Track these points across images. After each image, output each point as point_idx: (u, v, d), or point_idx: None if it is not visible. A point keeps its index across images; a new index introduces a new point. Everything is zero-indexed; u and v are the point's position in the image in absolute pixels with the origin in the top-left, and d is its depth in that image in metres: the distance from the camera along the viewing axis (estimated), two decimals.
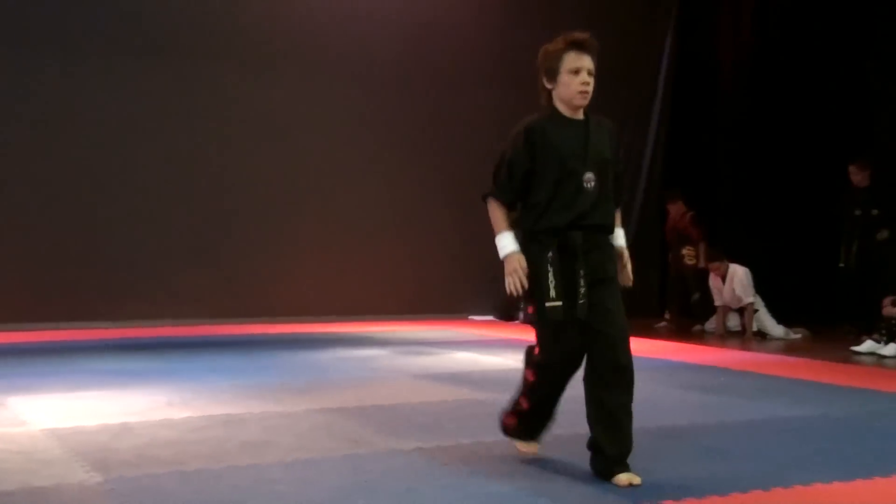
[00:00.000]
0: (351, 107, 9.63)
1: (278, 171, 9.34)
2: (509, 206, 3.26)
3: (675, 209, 9.39)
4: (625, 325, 3.18)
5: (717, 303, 8.72)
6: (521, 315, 10.47)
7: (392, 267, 9.74)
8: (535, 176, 3.17)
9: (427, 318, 9.71)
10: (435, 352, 6.98)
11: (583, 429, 3.21)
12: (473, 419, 4.21)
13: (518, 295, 3.20)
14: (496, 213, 3.27)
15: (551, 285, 3.12)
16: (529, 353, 3.40)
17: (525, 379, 3.38)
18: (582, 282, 3.11)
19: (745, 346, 7.72)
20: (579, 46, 3.18)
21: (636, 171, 10.65)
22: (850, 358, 6.91)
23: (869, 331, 7.26)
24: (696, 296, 9.28)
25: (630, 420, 3.14)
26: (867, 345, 7.15)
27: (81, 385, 5.15)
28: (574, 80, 3.16)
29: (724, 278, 8.58)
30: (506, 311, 10.18)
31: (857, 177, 8.28)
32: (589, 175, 3.15)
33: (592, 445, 3.17)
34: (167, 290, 8.83)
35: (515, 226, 3.27)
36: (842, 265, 8.42)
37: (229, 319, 8.94)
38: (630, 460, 3.14)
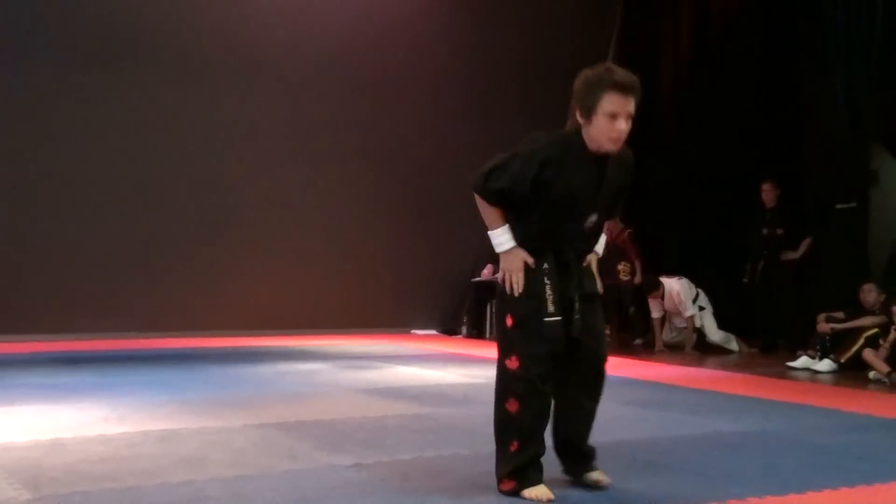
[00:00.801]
0: (290, 121, 9.54)
1: (218, 184, 9.21)
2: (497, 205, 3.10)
3: (613, 225, 9.52)
4: (605, 340, 3.31)
5: (655, 315, 8.86)
6: (465, 329, 10.39)
7: (334, 280, 9.68)
8: (532, 201, 3.03)
9: (369, 331, 9.68)
10: (377, 366, 6.95)
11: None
12: (414, 434, 4.19)
13: (516, 294, 3.05)
14: (487, 209, 3.09)
15: (549, 300, 3.04)
16: (504, 380, 3.12)
17: (508, 415, 3.08)
18: (577, 297, 3.11)
19: (684, 362, 7.84)
20: (622, 89, 2.91)
21: None
22: (785, 373, 7.06)
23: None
24: (632, 309, 9.46)
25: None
26: (802, 360, 7.32)
27: (12, 400, 5.01)
28: (609, 126, 2.92)
29: (662, 297, 8.76)
30: (449, 325, 10.21)
31: (769, 195, 8.56)
32: (592, 218, 3.11)
33: (568, 446, 3.26)
34: (104, 302, 8.64)
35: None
36: (745, 280, 8.67)
37: (168, 333, 8.79)
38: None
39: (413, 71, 10.01)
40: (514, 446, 3.09)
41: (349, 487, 3.22)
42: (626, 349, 8.81)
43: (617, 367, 7.19)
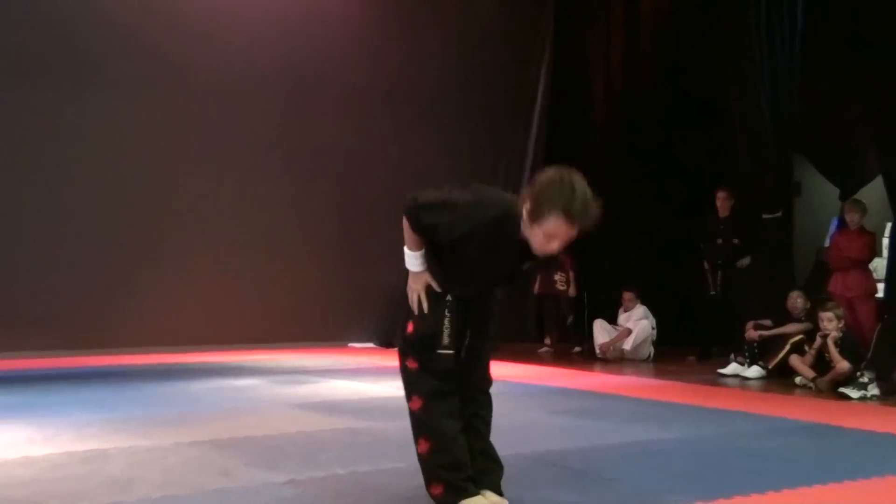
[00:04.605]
0: (227, 129, 9.46)
1: (152, 195, 9.07)
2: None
3: None
4: (489, 365, 3.28)
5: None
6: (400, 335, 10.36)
7: (271, 294, 9.58)
8: (448, 256, 3.07)
9: (306, 346, 9.59)
10: (312, 380, 6.89)
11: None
12: (349, 449, 4.17)
13: (415, 312, 3.11)
14: (411, 233, 3.09)
15: (445, 332, 3.08)
16: (407, 380, 3.19)
17: (412, 414, 3.13)
18: (468, 332, 3.16)
19: (619, 371, 7.95)
20: (572, 219, 2.83)
21: None
22: (716, 380, 7.20)
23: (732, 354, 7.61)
24: (571, 319, 9.53)
25: None
26: (732, 367, 7.48)
27: None
28: (544, 243, 2.89)
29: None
30: (386, 338, 10.16)
31: (724, 204, 8.65)
32: (500, 286, 3.20)
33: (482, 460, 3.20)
34: (30, 318, 8.41)
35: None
36: (712, 293, 8.76)
37: (97, 350, 8.58)
38: (502, 485, 3.17)
39: (348, 83, 10.00)
40: (425, 445, 3.07)
41: None
42: (564, 359, 8.90)
43: (553, 377, 7.29)
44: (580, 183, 2.86)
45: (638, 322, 8.85)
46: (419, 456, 3.11)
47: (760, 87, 8.49)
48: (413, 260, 3.13)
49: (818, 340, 6.80)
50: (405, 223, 3.11)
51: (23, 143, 8.50)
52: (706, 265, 8.79)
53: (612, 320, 9.14)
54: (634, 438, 4.48)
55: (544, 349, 9.65)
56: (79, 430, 4.62)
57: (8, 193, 8.45)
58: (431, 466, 3.07)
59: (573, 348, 9.42)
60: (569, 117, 10.99)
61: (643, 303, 9.03)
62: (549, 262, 3.09)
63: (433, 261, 3.13)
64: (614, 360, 8.79)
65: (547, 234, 2.86)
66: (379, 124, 10.12)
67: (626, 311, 9.07)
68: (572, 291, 9.52)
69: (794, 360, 6.98)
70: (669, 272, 9.65)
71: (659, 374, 7.68)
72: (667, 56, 10.20)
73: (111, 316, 8.81)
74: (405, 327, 3.20)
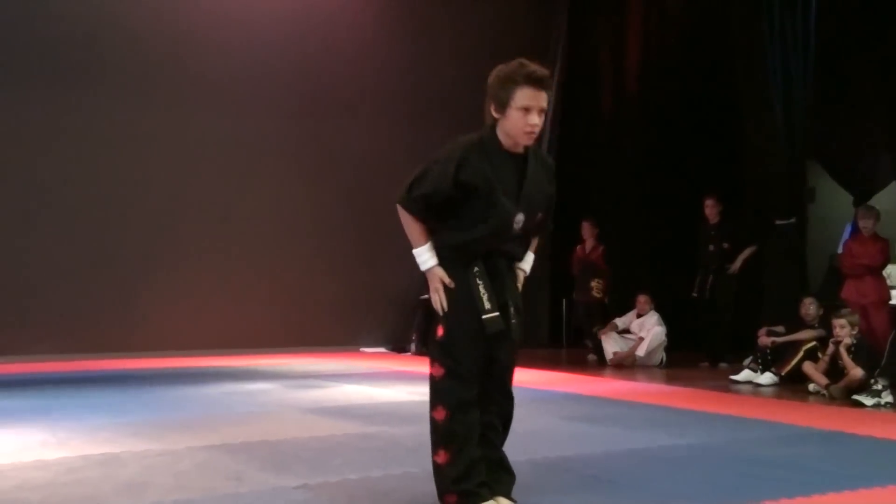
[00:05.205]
0: (237, 134, 9.50)
1: (163, 200, 9.11)
2: (421, 219, 3.09)
3: (590, 242, 9.60)
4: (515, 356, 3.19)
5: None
6: (414, 346, 10.38)
7: (282, 299, 9.61)
8: (458, 204, 3.03)
9: (318, 350, 9.61)
10: (324, 385, 6.90)
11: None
12: (361, 454, 4.17)
13: (443, 311, 3.05)
14: (412, 224, 3.09)
15: (484, 297, 3.02)
16: (431, 390, 3.11)
17: (435, 423, 3.06)
18: (510, 302, 3.09)
19: (632, 377, 7.92)
20: (536, 83, 2.98)
21: None
22: (728, 387, 7.18)
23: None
24: (597, 328, 9.45)
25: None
26: (744, 374, 7.45)
27: None
28: (522, 120, 2.97)
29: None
30: (397, 342, 10.18)
31: (712, 211, 8.71)
32: (519, 217, 3.06)
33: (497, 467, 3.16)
34: (44, 322, 8.46)
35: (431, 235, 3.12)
36: (694, 294, 8.80)
37: (111, 354, 8.63)
38: (515, 491, 3.17)
39: (359, 87, 10.03)
40: (444, 456, 3.03)
41: None
42: (578, 364, 8.89)
43: (566, 382, 7.28)
44: (525, 60, 3.02)
45: (651, 330, 8.83)
46: (435, 465, 3.08)
47: (774, 91, 8.47)
48: (422, 256, 3.10)
49: (831, 347, 6.76)
50: (403, 216, 3.10)
51: (35, 149, 8.55)
52: (699, 270, 8.88)
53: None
54: (647, 445, 4.47)
55: (591, 357, 9.51)
56: (92, 433, 4.64)
57: (19, 198, 8.51)
58: (446, 479, 3.05)
59: (587, 355, 9.40)
60: (578, 117, 10.96)
61: (655, 309, 9.01)
62: (551, 185, 3.00)
63: (452, 233, 3.05)
64: (627, 366, 8.77)
65: (521, 109, 2.97)
66: (390, 128, 10.14)
67: (639, 314, 9.05)
68: (606, 298, 9.54)
69: (808, 366, 6.94)
70: (680, 276, 9.61)
71: (671, 380, 7.65)
72: (678, 58, 10.18)
73: (124, 320, 8.85)
74: (435, 333, 3.13)
